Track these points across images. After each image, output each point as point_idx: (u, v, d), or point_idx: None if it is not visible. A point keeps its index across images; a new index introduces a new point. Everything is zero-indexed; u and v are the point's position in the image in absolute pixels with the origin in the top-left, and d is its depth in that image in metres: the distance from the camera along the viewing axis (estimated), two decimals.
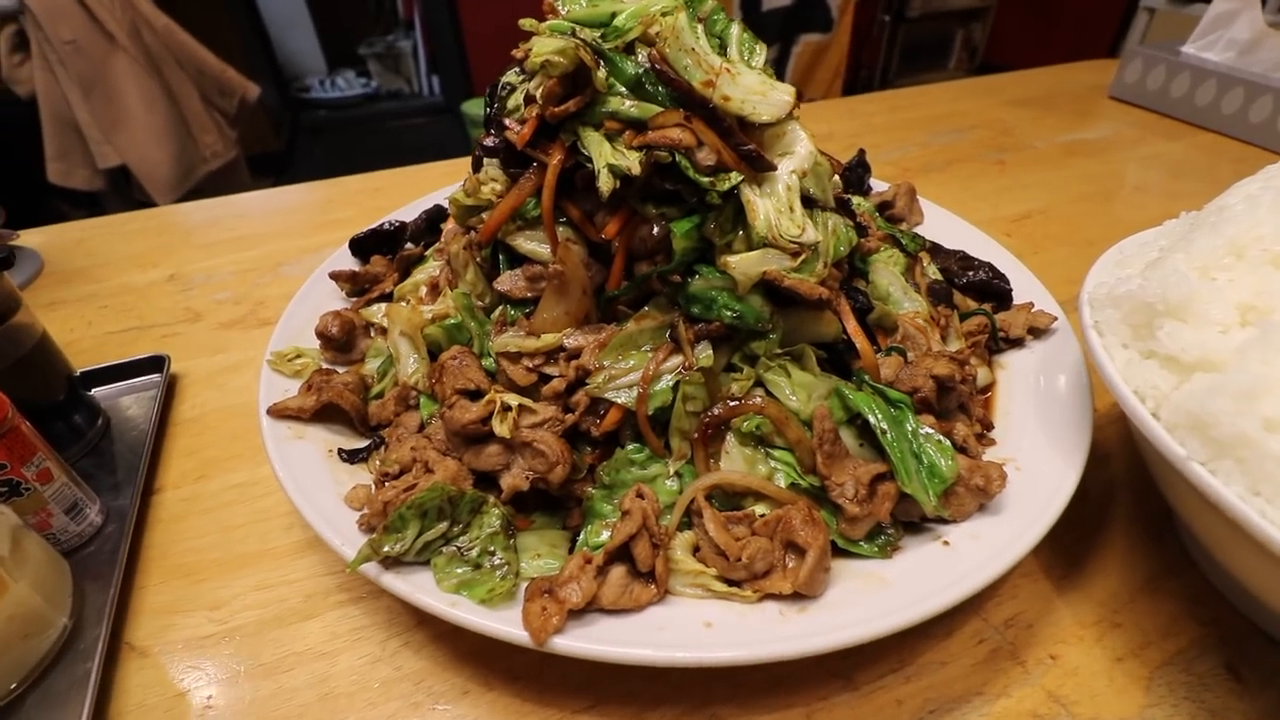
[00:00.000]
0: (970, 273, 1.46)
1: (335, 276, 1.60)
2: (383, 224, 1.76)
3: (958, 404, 1.08)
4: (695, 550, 0.91)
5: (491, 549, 0.96)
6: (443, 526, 0.95)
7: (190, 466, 1.51)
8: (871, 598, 0.82)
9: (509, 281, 1.12)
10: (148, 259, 2.26)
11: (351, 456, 1.20)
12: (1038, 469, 0.96)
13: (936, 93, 3.36)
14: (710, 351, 0.96)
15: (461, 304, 1.19)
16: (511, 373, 1.09)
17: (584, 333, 1.06)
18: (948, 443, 0.98)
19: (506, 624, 0.81)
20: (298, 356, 1.40)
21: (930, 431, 0.99)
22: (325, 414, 1.27)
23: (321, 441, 1.23)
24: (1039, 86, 3.04)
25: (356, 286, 1.60)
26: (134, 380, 1.70)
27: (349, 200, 2.64)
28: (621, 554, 0.86)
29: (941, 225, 1.73)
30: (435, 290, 1.31)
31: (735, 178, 0.91)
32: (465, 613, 0.82)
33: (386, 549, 0.92)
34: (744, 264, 0.92)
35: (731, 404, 0.97)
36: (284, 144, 7.54)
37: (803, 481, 0.95)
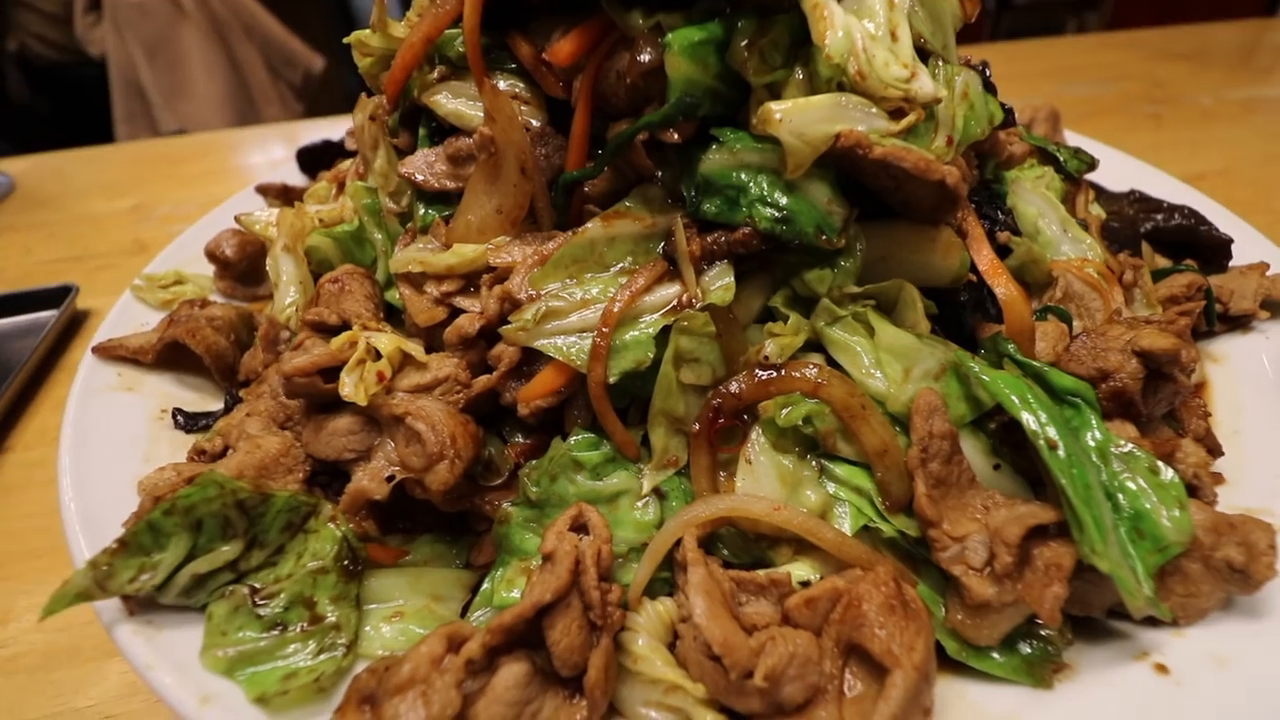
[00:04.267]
0: (1158, 216, 0.95)
1: (264, 190, 1.23)
2: (344, 136, 1.38)
3: (1169, 408, 0.58)
4: (674, 642, 0.45)
5: (311, 597, 0.54)
6: (228, 550, 0.54)
7: (57, 422, 1.16)
8: None
9: (421, 164, 0.70)
10: (117, 188, 2.02)
11: (190, 422, 0.81)
12: None
13: (1066, 45, 2.82)
14: (730, 279, 0.51)
15: (362, 202, 0.78)
16: (413, 305, 0.67)
17: (523, 242, 0.63)
18: (1173, 475, 0.48)
19: None
20: (176, 283, 1.03)
21: (1136, 452, 0.50)
22: (181, 361, 0.89)
23: (161, 398, 0.86)
24: (1189, 42, 2.73)
25: (288, 204, 1.22)
26: (44, 313, 1.38)
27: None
28: (528, 637, 0.41)
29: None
30: (344, 189, 0.91)
31: None
32: (219, 716, 0.39)
33: (120, 581, 0.52)
34: (801, 116, 0.47)
35: (763, 375, 0.51)
36: None
37: (885, 526, 0.47)
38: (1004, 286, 0.62)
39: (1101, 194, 1.13)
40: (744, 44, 0.55)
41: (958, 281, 0.65)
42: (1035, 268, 0.81)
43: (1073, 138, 1.37)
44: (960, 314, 0.69)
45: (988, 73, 0.76)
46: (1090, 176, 1.21)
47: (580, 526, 0.55)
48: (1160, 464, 0.56)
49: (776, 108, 0.54)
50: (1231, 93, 2.30)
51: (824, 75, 0.55)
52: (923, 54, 0.69)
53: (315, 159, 1.37)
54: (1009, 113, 0.75)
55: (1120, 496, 0.56)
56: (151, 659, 0.53)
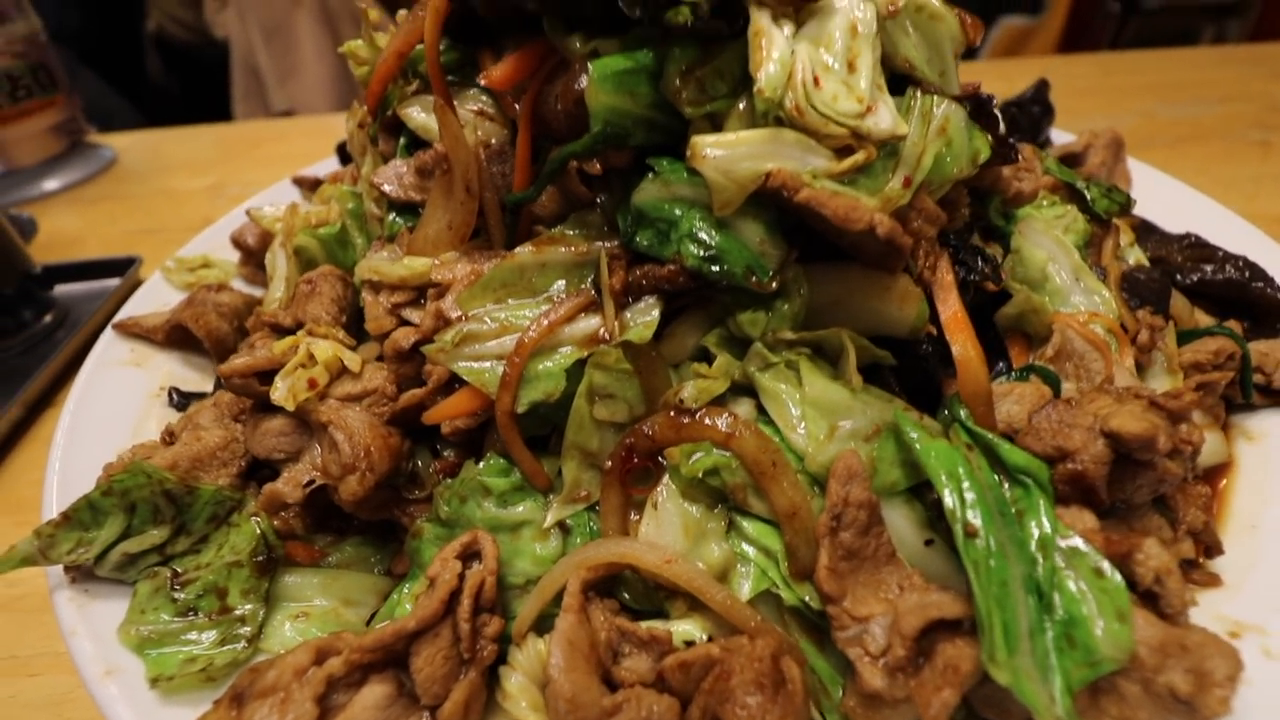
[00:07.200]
0: (1207, 267, 0.85)
1: (299, 182, 1.29)
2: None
3: (1151, 496, 0.51)
4: (547, 684, 0.45)
5: (224, 588, 0.56)
6: (157, 534, 0.58)
7: None
8: None
9: (391, 174, 0.72)
10: (201, 167, 2.19)
11: (184, 401, 0.86)
12: None
13: (1174, 58, 2.54)
14: (653, 316, 0.49)
15: (346, 206, 0.80)
16: (369, 313, 0.68)
17: (470, 260, 0.63)
18: (1119, 580, 0.43)
19: None
20: (203, 266, 1.10)
21: (1083, 548, 0.45)
22: (190, 342, 0.95)
23: (164, 376, 0.92)
24: None
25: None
26: (112, 281, 1.52)
27: None
28: (404, 658, 0.42)
29: (1162, 199, 1.10)
30: None
31: None
32: (113, 692, 0.54)
33: (59, 551, 0.56)
34: (730, 152, 0.45)
35: (679, 419, 0.48)
36: None
37: (786, 593, 0.44)
38: (961, 345, 0.57)
39: (1154, 234, 1.01)
40: (681, 72, 0.52)
41: (915, 333, 0.60)
42: (1035, 318, 0.73)
43: (1142, 169, 1.24)
44: (925, 366, 0.64)
45: (992, 100, 0.69)
46: (1147, 213, 1.09)
47: (464, 554, 0.54)
48: (1106, 565, 0.50)
49: (705, 142, 0.51)
50: None
51: (759, 109, 0.51)
52: (907, 82, 0.64)
53: None
54: (1010, 148, 0.67)
55: (1057, 597, 0.50)
56: (75, 625, 0.57)
